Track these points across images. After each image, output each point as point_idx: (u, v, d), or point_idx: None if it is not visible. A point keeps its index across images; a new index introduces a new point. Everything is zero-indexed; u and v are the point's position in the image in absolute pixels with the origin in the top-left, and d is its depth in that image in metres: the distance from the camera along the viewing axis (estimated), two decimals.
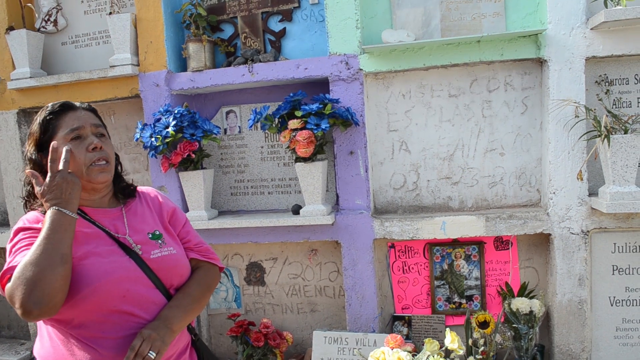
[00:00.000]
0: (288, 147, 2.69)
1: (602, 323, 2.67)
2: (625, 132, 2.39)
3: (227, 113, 3.14)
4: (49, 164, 1.30)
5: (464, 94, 2.78)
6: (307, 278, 3.09)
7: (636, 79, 2.60)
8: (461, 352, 2.20)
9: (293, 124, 2.60)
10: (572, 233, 2.59)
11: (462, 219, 2.68)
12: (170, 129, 2.74)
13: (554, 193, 2.59)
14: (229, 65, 2.98)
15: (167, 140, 2.74)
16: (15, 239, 1.33)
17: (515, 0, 2.69)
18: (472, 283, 2.83)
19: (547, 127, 2.60)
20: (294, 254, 3.09)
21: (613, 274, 2.64)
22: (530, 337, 2.58)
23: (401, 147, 2.87)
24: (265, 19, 3.02)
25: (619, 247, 2.62)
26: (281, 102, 2.72)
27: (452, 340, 2.17)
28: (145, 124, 2.90)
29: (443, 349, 2.23)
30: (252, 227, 2.88)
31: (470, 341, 2.54)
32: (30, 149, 1.41)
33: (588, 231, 2.58)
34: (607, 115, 2.40)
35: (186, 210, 3.00)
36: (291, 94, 2.68)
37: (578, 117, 2.50)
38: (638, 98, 2.61)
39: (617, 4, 2.39)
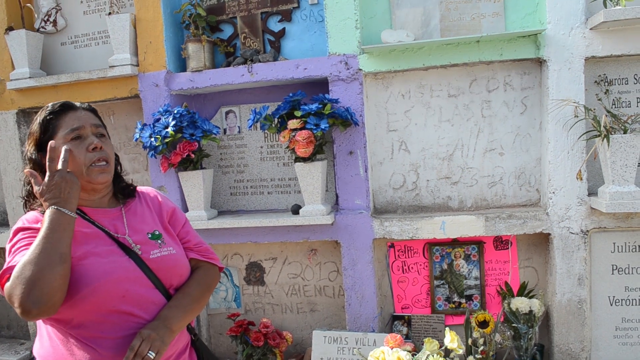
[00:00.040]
0: (287, 147, 2.69)
1: (601, 322, 2.67)
2: (625, 132, 2.39)
3: (227, 113, 3.14)
4: (47, 163, 1.30)
5: (464, 94, 2.78)
6: (307, 278, 3.09)
7: (635, 78, 2.60)
8: (461, 352, 2.20)
9: (292, 124, 2.60)
10: (572, 233, 2.59)
11: (461, 218, 2.68)
12: (169, 129, 2.74)
13: (553, 193, 2.60)
14: (228, 65, 2.98)
15: (166, 140, 2.74)
16: (15, 239, 1.33)
17: (514, 1, 2.69)
18: (471, 283, 2.83)
19: (547, 127, 2.60)
20: (293, 254, 3.09)
21: (612, 273, 2.64)
22: (529, 336, 2.58)
23: (400, 147, 2.88)
24: (265, 19, 3.03)
25: (618, 246, 2.62)
26: (280, 102, 2.72)
27: (451, 340, 2.17)
28: (145, 124, 2.90)
29: (443, 348, 2.23)
30: (252, 227, 2.88)
31: (469, 341, 2.54)
32: (30, 148, 1.41)
33: (587, 231, 2.58)
34: (606, 115, 2.40)
35: (186, 210, 3.00)
36: (290, 94, 2.68)
37: (577, 117, 2.50)
38: (637, 98, 2.62)
39: (617, 4, 2.39)
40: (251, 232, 2.94)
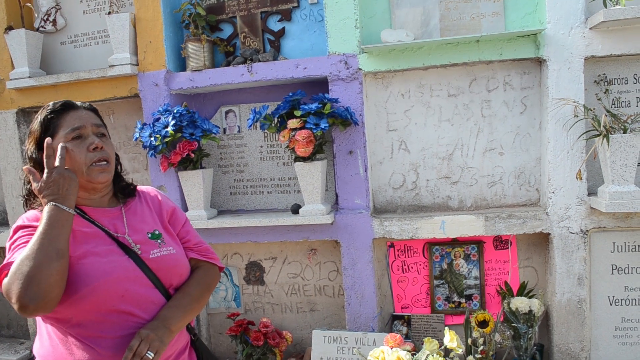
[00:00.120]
0: (287, 146, 2.69)
1: (601, 322, 2.67)
2: (624, 132, 2.39)
3: (227, 112, 3.14)
4: (44, 160, 1.31)
5: (463, 94, 2.78)
6: (307, 277, 3.09)
7: (635, 78, 2.61)
8: (460, 351, 2.20)
9: (292, 123, 2.60)
10: (572, 232, 2.59)
11: (461, 218, 2.68)
12: (169, 129, 2.73)
13: (553, 192, 2.60)
14: (228, 64, 2.98)
15: (166, 139, 2.74)
16: (14, 237, 1.33)
17: (514, 0, 2.69)
18: (471, 282, 2.83)
19: (546, 127, 2.60)
20: (293, 254, 3.09)
21: (612, 273, 2.64)
22: (529, 336, 2.58)
23: (400, 146, 2.88)
24: (265, 18, 3.03)
25: (618, 246, 2.62)
26: (280, 102, 2.72)
27: (451, 340, 2.17)
28: (145, 124, 2.90)
29: (442, 348, 2.23)
30: (252, 226, 2.88)
31: (469, 340, 2.54)
32: (30, 147, 1.41)
33: (587, 230, 2.58)
34: (606, 115, 2.40)
35: (185, 209, 3.00)
36: (290, 94, 2.68)
37: (577, 116, 2.50)
38: (637, 97, 2.62)
39: (616, 4, 2.39)
40: (251, 231, 2.94)
